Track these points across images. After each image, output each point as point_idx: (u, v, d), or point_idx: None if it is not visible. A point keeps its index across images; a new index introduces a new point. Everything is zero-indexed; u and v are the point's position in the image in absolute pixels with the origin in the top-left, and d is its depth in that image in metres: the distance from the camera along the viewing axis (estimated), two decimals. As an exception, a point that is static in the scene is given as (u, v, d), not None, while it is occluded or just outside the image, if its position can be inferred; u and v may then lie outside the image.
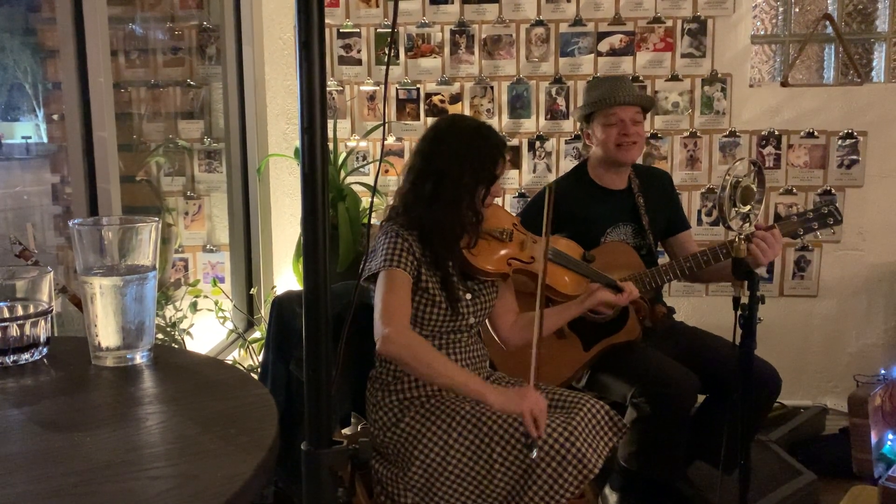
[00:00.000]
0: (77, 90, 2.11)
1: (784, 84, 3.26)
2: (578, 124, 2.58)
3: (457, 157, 1.86)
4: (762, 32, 3.44)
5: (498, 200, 3.33)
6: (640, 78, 3.27)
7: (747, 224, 1.92)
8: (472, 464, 1.77)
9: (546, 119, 3.33)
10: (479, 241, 1.95)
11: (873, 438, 2.75)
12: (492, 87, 3.33)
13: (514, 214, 2.23)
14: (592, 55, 3.28)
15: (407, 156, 3.37)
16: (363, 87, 3.38)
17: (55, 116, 2.43)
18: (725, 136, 3.29)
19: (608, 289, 2.06)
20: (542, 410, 1.69)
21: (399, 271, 1.82)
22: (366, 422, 2.06)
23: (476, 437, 1.78)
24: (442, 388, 1.88)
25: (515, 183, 3.38)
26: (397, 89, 3.35)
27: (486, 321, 2.09)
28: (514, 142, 3.34)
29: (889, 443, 2.82)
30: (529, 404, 1.68)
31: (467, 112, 3.33)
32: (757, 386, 2.11)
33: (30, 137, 2.60)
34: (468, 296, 1.94)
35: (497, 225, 1.99)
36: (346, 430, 2.29)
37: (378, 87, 3.37)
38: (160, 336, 2.52)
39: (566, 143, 3.34)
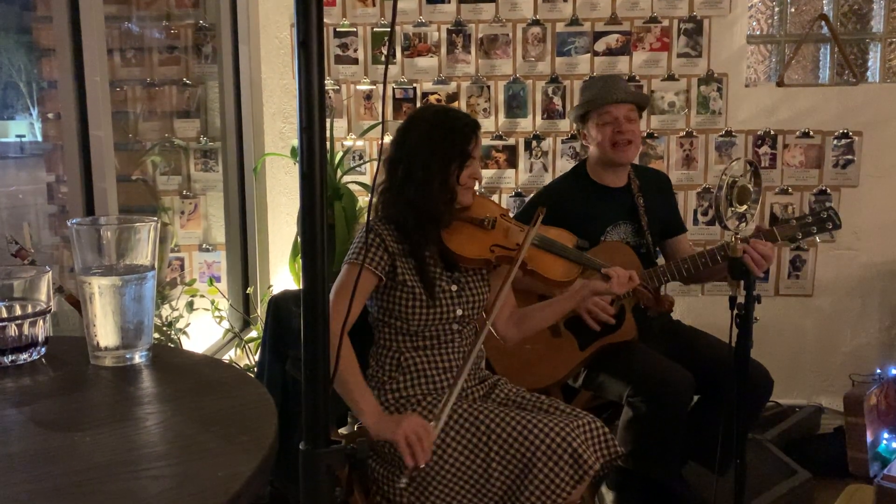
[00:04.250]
0: (73, 89, 2.10)
1: (780, 84, 3.27)
2: (574, 125, 2.58)
3: (425, 137, 1.88)
4: (758, 32, 3.45)
5: (493, 199, 3.34)
6: (637, 77, 3.27)
7: (743, 224, 1.92)
8: (469, 463, 1.77)
9: (542, 118, 3.33)
10: (461, 228, 1.93)
11: (869, 437, 2.77)
12: (488, 87, 3.33)
13: (506, 208, 2.22)
14: (589, 55, 3.28)
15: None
16: (360, 87, 3.38)
17: (50, 115, 2.42)
18: (721, 136, 3.30)
19: (601, 277, 2.00)
20: (420, 437, 1.65)
21: (363, 269, 1.83)
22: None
23: (473, 435, 1.78)
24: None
25: (512, 182, 3.38)
26: (394, 88, 3.35)
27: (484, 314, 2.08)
28: (511, 141, 3.34)
29: (884, 441, 2.83)
30: (405, 431, 1.65)
31: (464, 111, 3.32)
32: (748, 386, 2.12)
33: (24, 136, 2.59)
34: (453, 287, 1.93)
35: (480, 213, 1.98)
36: (342, 430, 2.29)
37: (375, 87, 3.37)
38: (156, 335, 2.51)
39: (563, 142, 3.34)
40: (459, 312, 1.93)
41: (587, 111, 2.44)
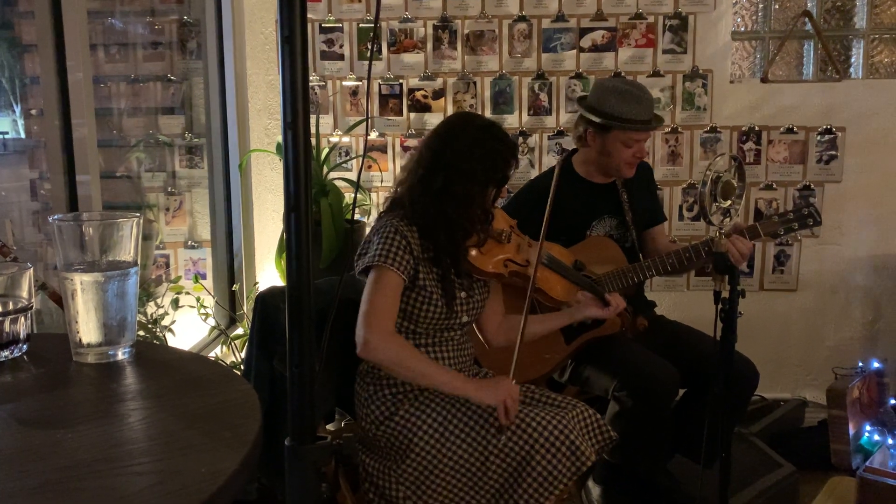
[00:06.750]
0: (56, 85, 2.08)
1: (764, 80, 3.29)
2: (581, 119, 2.46)
3: (470, 155, 1.86)
4: (742, 29, 3.46)
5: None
6: (622, 74, 3.28)
7: (728, 219, 1.93)
8: (468, 456, 1.78)
9: (529, 115, 3.34)
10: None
11: (851, 430, 2.79)
12: (475, 83, 3.33)
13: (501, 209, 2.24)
14: (575, 51, 3.29)
15: (390, 151, 3.37)
16: (346, 83, 3.37)
17: (33, 111, 2.40)
18: (706, 132, 3.32)
19: (596, 301, 2.10)
20: (514, 400, 1.78)
21: (391, 272, 1.81)
22: (350, 417, 2.06)
23: (472, 429, 1.79)
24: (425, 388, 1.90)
25: (498, 178, 3.38)
26: (380, 84, 3.34)
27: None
28: (497, 137, 3.34)
29: (866, 434, 2.86)
30: (503, 395, 1.77)
31: (450, 108, 3.33)
32: (735, 380, 2.14)
33: (7, 133, 2.56)
34: (463, 294, 1.94)
35: (495, 226, 2.00)
36: (329, 426, 2.29)
37: (361, 83, 3.36)
38: (141, 333, 2.50)
39: (549, 138, 3.35)
40: (465, 319, 1.96)
41: (612, 125, 2.34)
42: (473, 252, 1.93)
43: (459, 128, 1.91)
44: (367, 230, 2.08)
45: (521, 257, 2.04)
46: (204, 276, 3.11)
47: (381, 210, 1.98)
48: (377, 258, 1.81)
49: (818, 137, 3.29)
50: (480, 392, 1.80)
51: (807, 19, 3.28)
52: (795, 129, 3.30)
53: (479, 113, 3.31)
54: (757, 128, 3.31)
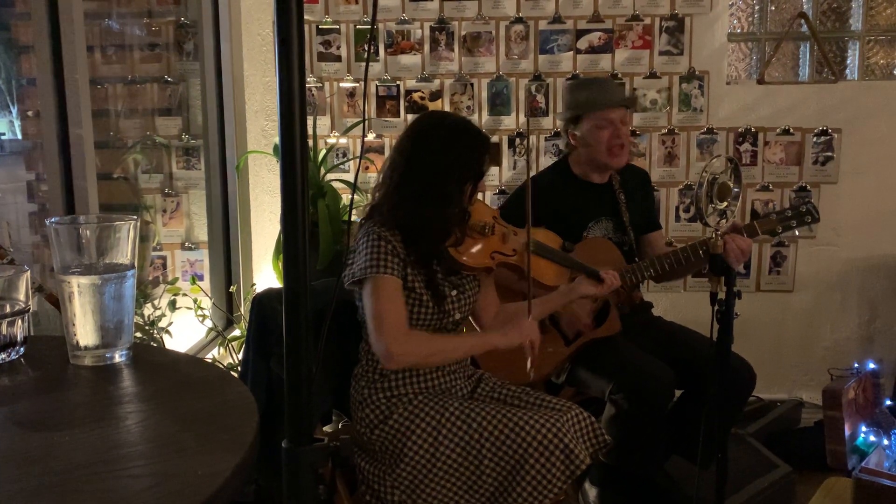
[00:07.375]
0: (52, 86, 2.08)
1: (760, 82, 3.30)
2: (562, 126, 2.54)
3: (444, 154, 1.85)
4: (739, 30, 3.47)
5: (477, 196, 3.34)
6: (619, 75, 3.29)
7: (724, 220, 1.94)
8: (462, 459, 1.78)
9: (526, 116, 3.34)
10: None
11: (847, 431, 2.80)
12: (472, 84, 3.33)
13: (495, 208, 2.24)
14: (571, 53, 3.30)
15: (387, 153, 3.37)
16: (343, 84, 3.37)
17: (30, 113, 2.40)
18: (703, 133, 3.32)
19: (590, 279, 2.09)
20: (537, 336, 1.94)
21: (386, 277, 1.80)
22: (347, 419, 2.06)
23: (465, 432, 1.79)
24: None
25: (496, 180, 3.38)
26: (377, 86, 3.34)
27: (469, 316, 2.10)
28: (495, 139, 3.35)
29: (862, 435, 2.87)
30: (527, 334, 1.92)
31: (447, 109, 3.33)
32: (732, 381, 2.14)
33: (4, 134, 2.56)
34: (454, 292, 1.94)
35: (478, 219, 1.99)
36: (327, 428, 2.29)
37: (358, 84, 3.36)
38: (138, 335, 2.50)
39: (546, 139, 3.35)
40: (458, 316, 1.96)
41: (581, 114, 2.41)
42: (459, 249, 1.93)
43: (431, 128, 1.91)
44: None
45: (508, 247, 2.03)
46: (201, 278, 3.11)
47: (361, 218, 1.97)
48: (369, 269, 1.80)
49: (814, 139, 3.30)
50: (506, 338, 1.92)
51: (803, 21, 3.29)
52: (791, 130, 3.30)
53: (476, 114, 3.32)
54: (753, 129, 3.31)
